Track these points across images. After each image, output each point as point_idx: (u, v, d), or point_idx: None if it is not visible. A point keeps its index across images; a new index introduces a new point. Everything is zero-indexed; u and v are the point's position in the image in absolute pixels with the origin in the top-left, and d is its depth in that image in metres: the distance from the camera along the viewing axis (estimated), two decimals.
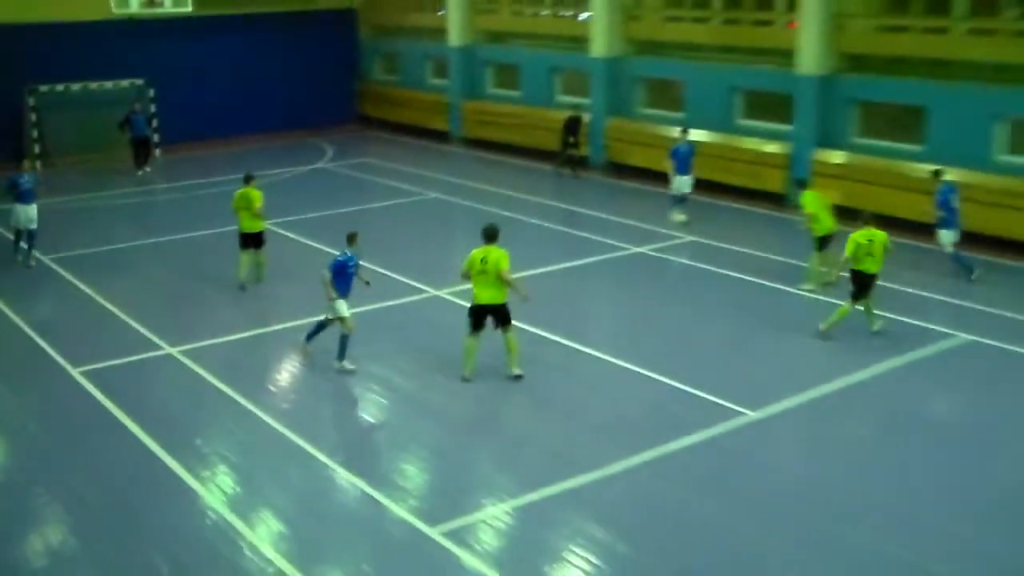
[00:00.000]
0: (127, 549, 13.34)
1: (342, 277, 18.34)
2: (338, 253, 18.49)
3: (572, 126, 34.65)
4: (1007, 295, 21.67)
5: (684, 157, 27.07)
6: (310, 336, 18.93)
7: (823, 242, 22.26)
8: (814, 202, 22.29)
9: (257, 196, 22.92)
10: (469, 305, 17.97)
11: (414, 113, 42.82)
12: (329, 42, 44.20)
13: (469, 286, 17.94)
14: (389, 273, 24.12)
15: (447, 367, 19.06)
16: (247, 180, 23.28)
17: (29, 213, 24.37)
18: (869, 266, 19.46)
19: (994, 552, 12.96)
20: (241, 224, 23.06)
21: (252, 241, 23.12)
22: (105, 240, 25.78)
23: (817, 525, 13.63)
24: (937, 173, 23.97)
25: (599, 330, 21.14)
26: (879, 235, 19.47)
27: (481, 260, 17.55)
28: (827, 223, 22.26)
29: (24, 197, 24.28)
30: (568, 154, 34.80)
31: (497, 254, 17.58)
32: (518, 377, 17.97)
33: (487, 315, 17.84)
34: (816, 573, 12.64)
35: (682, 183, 27.08)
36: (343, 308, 18.32)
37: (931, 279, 22.97)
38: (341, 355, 18.48)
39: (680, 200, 27.49)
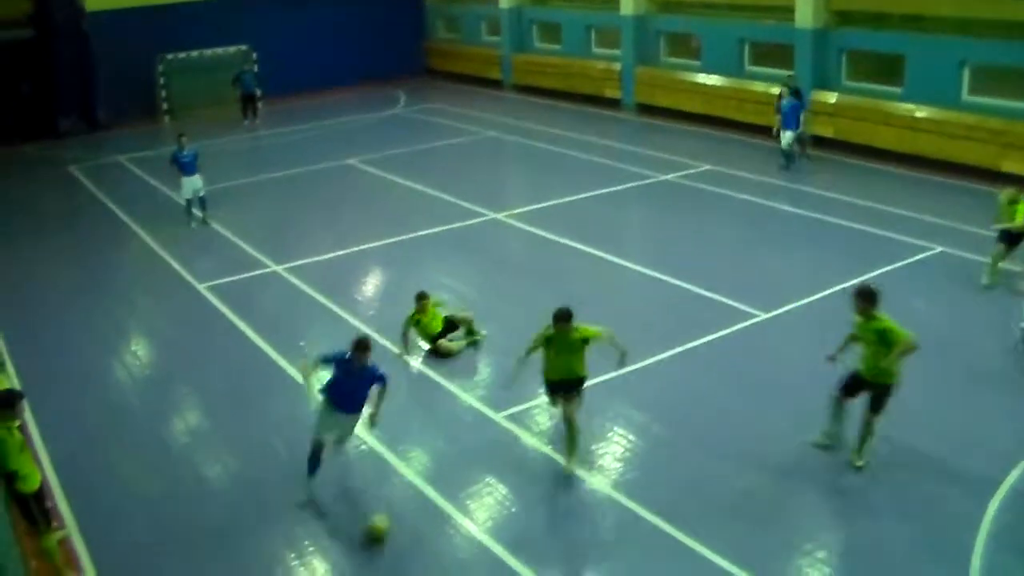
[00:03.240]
0: (250, 431, 13.61)
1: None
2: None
3: None
4: (975, 213, 21.31)
5: None
6: None
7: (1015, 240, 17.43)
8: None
9: (430, 318, 15.95)
10: (852, 378, 12.20)
11: (472, 65, 42.44)
12: (400, 7, 44.00)
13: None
14: (457, 200, 24.14)
15: (507, 278, 19.13)
16: (419, 300, 16.03)
17: (194, 183, 23.12)
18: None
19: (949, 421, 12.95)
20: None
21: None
22: (220, 179, 25.78)
23: (817, 404, 13.62)
24: (789, 88, 26.39)
25: (631, 245, 21.01)
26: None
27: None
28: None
29: (186, 169, 23.01)
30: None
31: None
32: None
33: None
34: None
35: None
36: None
37: (927, 204, 22.71)
38: None
39: None
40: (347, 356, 11.49)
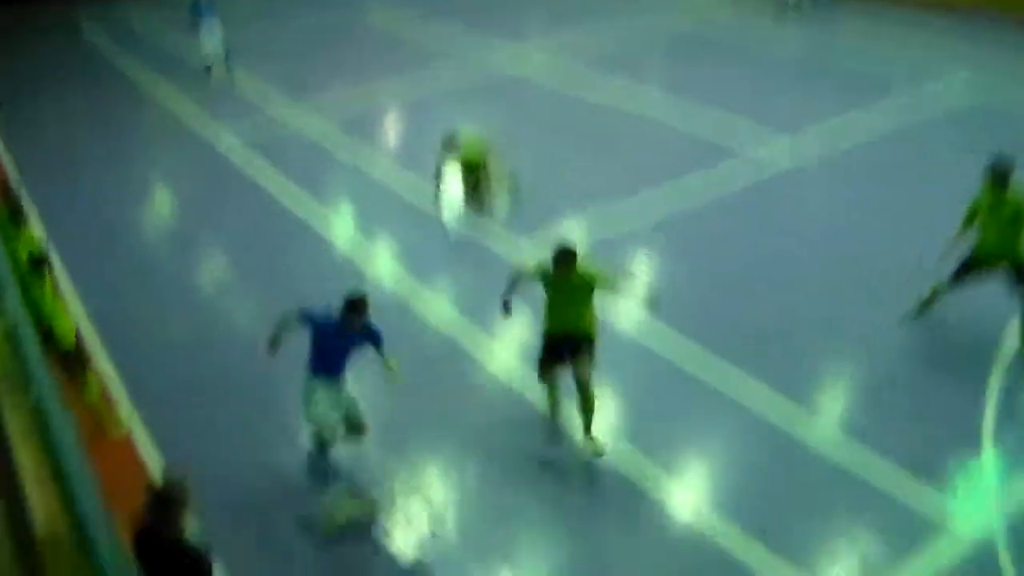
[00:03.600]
0: (275, 280, 13.74)
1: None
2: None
3: None
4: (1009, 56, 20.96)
5: None
6: None
7: None
8: None
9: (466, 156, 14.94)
10: (973, 261, 10.99)
11: None
12: None
13: None
14: (478, 40, 24.10)
15: (527, 122, 19.09)
16: (448, 145, 14.87)
17: (214, 33, 22.26)
18: None
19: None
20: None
21: None
22: (238, 30, 25.08)
23: (842, 253, 13.73)
24: None
25: (650, 88, 20.76)
26: None
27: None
28: None
29: (205, 16, 22.11)
30: None
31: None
32: None
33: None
34: (829, 275, 12.83)
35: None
36: None
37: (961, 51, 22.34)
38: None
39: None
40: (336, 319, 9.16)
